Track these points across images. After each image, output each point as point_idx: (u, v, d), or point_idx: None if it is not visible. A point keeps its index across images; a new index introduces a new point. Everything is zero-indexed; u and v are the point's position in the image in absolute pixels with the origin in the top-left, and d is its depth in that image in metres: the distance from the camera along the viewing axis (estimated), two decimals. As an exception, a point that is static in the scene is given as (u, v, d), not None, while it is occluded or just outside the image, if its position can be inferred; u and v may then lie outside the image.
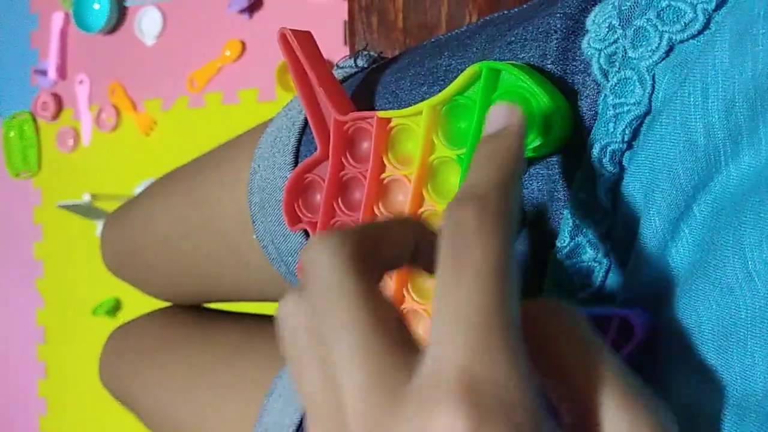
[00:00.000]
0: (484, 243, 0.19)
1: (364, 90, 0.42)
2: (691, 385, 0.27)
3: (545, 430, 0.18)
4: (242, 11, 1.18)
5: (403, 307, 0.38)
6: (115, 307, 1.27)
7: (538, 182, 0.34)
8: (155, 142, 1.26)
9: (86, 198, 1.18)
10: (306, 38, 0.40)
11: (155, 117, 1.27)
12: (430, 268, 0.24)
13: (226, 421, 0.48)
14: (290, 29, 0.40)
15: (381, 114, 0.36)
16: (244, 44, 1.21)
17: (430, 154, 0.35)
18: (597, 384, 0.21)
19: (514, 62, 0.33)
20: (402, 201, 0.37)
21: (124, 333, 0.60)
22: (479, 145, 0.24)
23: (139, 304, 0.61)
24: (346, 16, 0.87)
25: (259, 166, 0.44)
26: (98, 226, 1.25)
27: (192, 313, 0.59)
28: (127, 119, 1.30)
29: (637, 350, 0.29)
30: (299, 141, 0.43)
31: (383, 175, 0.37)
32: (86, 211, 1.17)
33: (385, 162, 0.37)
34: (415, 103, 0.35)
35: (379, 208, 0.38)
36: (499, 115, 0.25)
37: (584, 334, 0.22)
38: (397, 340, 0.20)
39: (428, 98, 0.34)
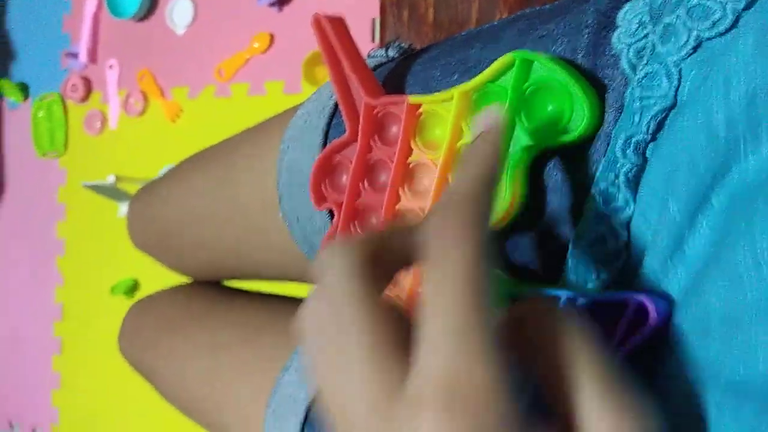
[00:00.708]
0: (460, 253, 0.22)
1: (395, 78, 0.43)
2: (694, 371, 0.27)
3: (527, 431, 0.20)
4: (272, 4, 1.20)
5: (410, 160, 0.39)
6: (133, 288, 1.29)
7: (563, 173, 0.35)
8: (181, 129, 1.28)
9: (111, 179, 1.20)
10: (339, 24, 0.41)
11: (182, 104, 1.29)
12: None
13: (244, 396, 0.49)
14: (324, 15, 0.41)
15: (412, 99, 0.37)
16: (272, 37, 1.23)
17: (458, 140, 0.36)
18: (580, 386, 0.22)
19: (546, 54, 0.34)
20: (427, 185, 0.38)
21: (145, 305, 0.61)
22: (464, 149, 0.27)
23: (157, 284, 0.63)
24: (374, 14, 0.88)
25: (288, 147, 0.45)
26: (121, 207, 1.27)
27: (213, 289, 0.60)
28: (154, 105, 1.32)
29: (650, 336, 0.30)
30: (329, 124, 0.44)
31: (410, 159, 0.39)
32: (110, 192, 1.20)
33: (413, 146, 0.38)
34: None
35: (404, 191, 0.39)
36: (482, 119, 0.28)
37: (571, 336, 0.24)
38: (397, 341, 0.22)
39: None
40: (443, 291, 0.21)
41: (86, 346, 1.38)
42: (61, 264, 1.43)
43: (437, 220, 0.23)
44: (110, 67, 1.36)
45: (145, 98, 1.32)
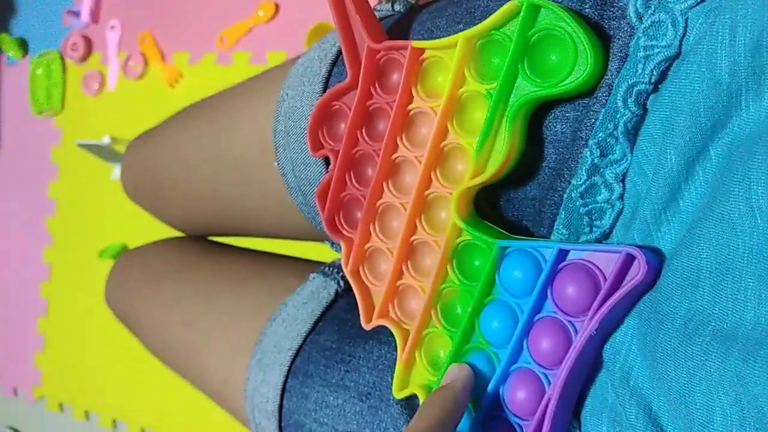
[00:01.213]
0: None
1: (400, 27, 0.43)
2: (682, 321, 0.27)
3: None
4: (279, -26, 1.19)
5: (414, 238, 0.39)
6: (122, 252, 1.28)
7: (563, 124, 0.35)
8: (179, 95, 1.27)
9: (106, 140, 1.19)
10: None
11: (182, 70, 1.28)
12: None
13: (228, 346, 0.49)
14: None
15: (415, 44, 0.37)
16: (277, 6, 1.22)
17: (460, 87, 0.36)
18: None
19: (554, 2, 0.34)
20: (425, 134, 0.38)
21: (133, 256, 0.61)
22: (428, 396, 0.33)
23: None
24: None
25: (287, 95, 0.45)
26: (114, 170, 1.26)
27: (202, 242, 0.60)
28: (154, 69, 1.30)
29: (639, 287, 0.30)
30: (330, 72, 0.44)
31: (410, 107, 0.38)
32: (104, 152, 1.18)
33: (414, 94, 0.38)
34: (450, 38, 0.36)
35: (402, 140, 0.39)
36: (451, 371, 0.35)
37: None
38: None
39: (464, 32, 0.35)
40: None
41: (72, 309, 1.38)
42: (50, 224, 1.41)
43: None
44: (112, 27, 1.34)
45: (145, 61, 1.31)
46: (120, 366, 1.28)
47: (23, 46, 1.47)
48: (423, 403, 0.32)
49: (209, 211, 0.54)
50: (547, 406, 0.32)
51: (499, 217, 0.39)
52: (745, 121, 0.26)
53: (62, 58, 1.40)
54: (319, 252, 0.61)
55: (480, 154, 0.35)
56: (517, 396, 0.34)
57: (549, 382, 0.32)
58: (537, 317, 0.33)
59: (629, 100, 0.30)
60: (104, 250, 1.30)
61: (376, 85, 0.39)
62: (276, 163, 0.46)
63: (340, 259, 0.48)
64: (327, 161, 0.44)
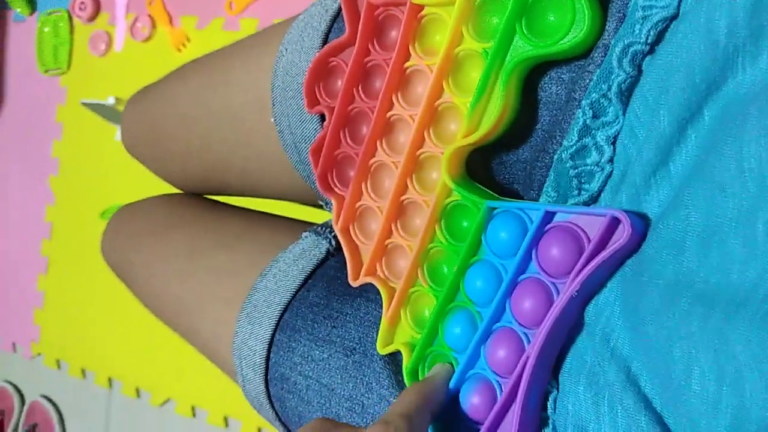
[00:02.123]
0: None
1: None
2: (665, 284, 0.27)
3: None
4: (290, -59, 1.18)
5: (404, 198, 0.39)
6: (123, 211, 1.29)
7: (558, 86, 0.34)
8: (186, 59, 1.26)
9: (111, 100, 1.19)
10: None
11: (189, 34, 1.27)
12: None
13: (217, 300, 0.50)
14: None
15: (414, 0, 0.37)
16: (287, -27, 1.21)
17: (457, 46, 0.36)
18: None
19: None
20: (420, 93, 0.38)
21: (130, 210, 0.61)
22: (408, 387, 0.35)
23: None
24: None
25: (286, 50, 0.45)
26: (118, 131, 1.26)
27: (198, 199, 0.60)
28: (161, 32, 1.30)
29: (623, 251, 0.30)
30: (330, 28, 0.43)
31: (407, 65, 0.38)
32: (109, 113, 1.18)
33: (411, 51, 0.38)
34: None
35: (398, 98, 0.39)
36: (434, 368, 0.36)
37: None
38: None
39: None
40: None
41: (72, 268, 1.39)
42: (53, 183, 1.42)
43: None
44: (121, -11, 1.34)
45: (153, 24, 1.30)
46: (117, 326, 1.30)
47: (31, 3, 1.46)
48: (403, 390, 0.34)
49: (206, 167, 0.54)
50: (525, 364, 0.32)
51: (491, 180, 0.39)
52: (741, 83, 0.26)
53: (70, 17, 1.40)
54: (313, 215, 0.61)
55: (473, 112, 0.35)
56: (497, 354, 0.34)
57: (529, 342, 0.33)
58: (521, 278, 0.33)
59: (624, 60, 0.30)
60: (106, 210, 1.31)
61: (375, 41, 0.39)
62: (272, 119, 0.46)
63: (332, 220, 0.48)
64: (323, 118, 0.44)
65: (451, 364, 0.37)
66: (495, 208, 0.35)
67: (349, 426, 0.33)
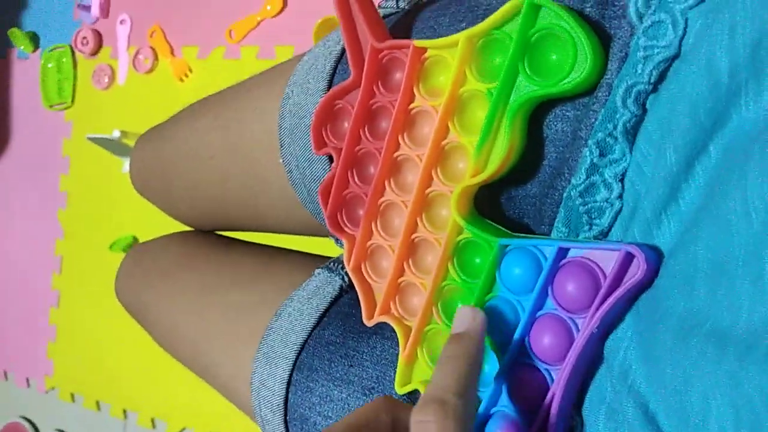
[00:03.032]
0: None
1: (403, 25, 0.43)
2: (678, 320, 0.27)
3: None
4: (287, -32, 1.19)
5: (415, 236, 0.39)
6: (132, 245, 1.29)
7: (563, 123, 0.35)
8: (188, 89, 1.28)
9: (116, 134, 1.20)
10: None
11: (191, 64, 1.29)
12: None
13: (234, 340, 0.50)
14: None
15: (417, 43, 0.37)
16: (285, 0, 1.22)
17: (461, 87, 0.36)
18: None
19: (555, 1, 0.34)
20: (427, 133, 0.38)
21: (143, 249, 0.62)
22: (445, 345, 0.32)
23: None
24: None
25: (292, 92, 0.45)
26: (125, 163, 1.26)
27: (210, 236, 0.60)
28: (163, 63, 1.31)
29: (639, 285, 0.30)
30: (335, 69, 0.44)
31: (412, 106, 0.38)
32: (114, 146, 1.19)
33: (416, 93, 0.38)
34: (452, 37, 0.36)
35: (404, 139, 0.39)
36: (463, 318, 0.32)
37: None
38: None
39: (466, 31, 0.35)
40: None
41: (83, 301, 1.39)
42: (62, 217, 1.43)
43: (426, 416, 0.27)
44: (121, 22, 1.35)
45: (155, 56, 1.31)
46: (130, 357, 1.30)
47: (34, 40, 1.48)
48: (443, 356, 0.31)
49: (216, 206, 0.54)
50: (551, 403, 0.32)
51: (500, 215, 0.39)
52: (745, 120, 0.26)
53: (73, 52, 1.41)
54: (325, 247, 0.62)
55: (480, 152, 0.35)
56: (520, 391, 0.34)
57: (552, 379, 0.33)
58: (538, 314, 0.34)
59: (628, 100, 0.30)
60: (115, 242, 1.31)
61: (379, 83, 0.40)
62: (281, 160, 0.46)
63: (343, 258, 0.49)
64: (331, 158, 0.44)
65: (476, 309, 0.34)
66: (508, 245, 0.35)
67: (408, 405, 0.32)
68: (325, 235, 0.53)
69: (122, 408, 1.32)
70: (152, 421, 1.28)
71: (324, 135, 0.42)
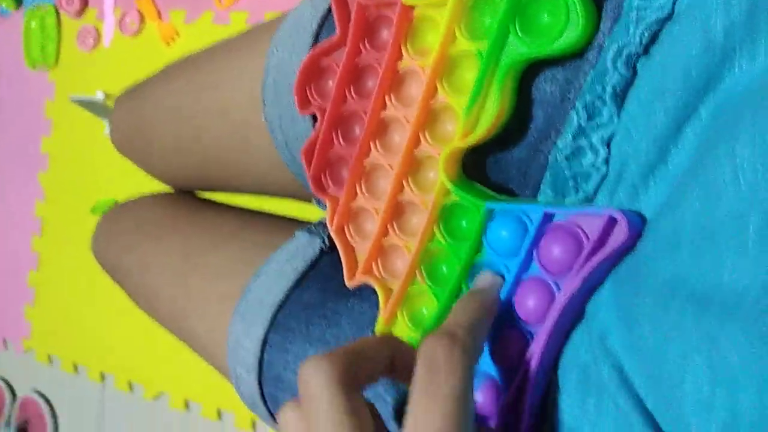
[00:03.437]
0: (450, 374, 0.26)
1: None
2: (659, 283, 0.27)
3: None
4: (280, -67, 1.17)
5: (400, 197, 0.39)
6: (114, 208, 1.28)
7: (552, 85, 0.34)
8: (175, 54, 1.25)
9: (100, 95, 1.18)
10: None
11: (178, 28, 1.26)
12: (404, 376, 0.29)
13: (211, 299, 0.49)
14: None
15: (406, 0, 0.36)
16: (276, -34, 1.20)
17: (450, 46, 0.36)
18: None
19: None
20: (414, 94, 0.38)
21: (122, 209, 0.61)
22: (462, 297, 0.33)
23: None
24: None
25: (277, 49, 0.45)
26: (107, 126, 1.25)
27: (190, 197, 0.60)
28: (150, 27, 1.29)
29: (621, 249, 0.30)
30: (321, 27, 0.43)
31: (399, 65, 0.38)
32: (98, 108, 1.17)
33: (403, 51, 0.38)
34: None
35: (390, 99, 0.38)
36: (485, 279, 0.34)
37: None
38: None
39: (456, -10, 0.35)
40: (434, 410, 0.25)
41: (63, 263, 1.38)
42: (43, 179, 1.41)
43: (435, 345, 0.27)
44: (108, -18, 1.33)
45: (142, 18, 1.29)
46: (109, 320, 1.29)
47: (18, -3, 1.45)
48: (460, 302, 0.32)
49: (196, 166, 0.54)
50: (530, 363, 0.32)
51: (486, 178, 0.39)
52: (737, 81, 0.26)
53: (57, 12, 1.38)
54: (306, 212, 0.61)
55: (469, 114, 0.35)
56: (502, 353, 0.34)
57: (532, 338, 0.33)
58: (523, 277, 0.34)
59: (619, 61, 0.30)
60: (96, 205, 1.30)
61: (366, 41, 0.39)
62: (263, 119, 0.46)
63: (326, 218, 0.48)
64: (315, 118, 0.44)
65: (497, 275, 0.35)
66: (494, 209, 0.35)
67: (410, 346, 0.32)
68: (307, 197, 0.52)
69: (99, 371, 1.31)
70: (129, 384, 1.28)
71: (308, 94, 0.41)
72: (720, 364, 0.24)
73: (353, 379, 0.27)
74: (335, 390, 0.26)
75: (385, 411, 0.40)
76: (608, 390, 0.29)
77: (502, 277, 0.34)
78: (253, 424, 1.12)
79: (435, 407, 0.25)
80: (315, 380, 0.26)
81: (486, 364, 0.35)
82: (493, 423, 0.34)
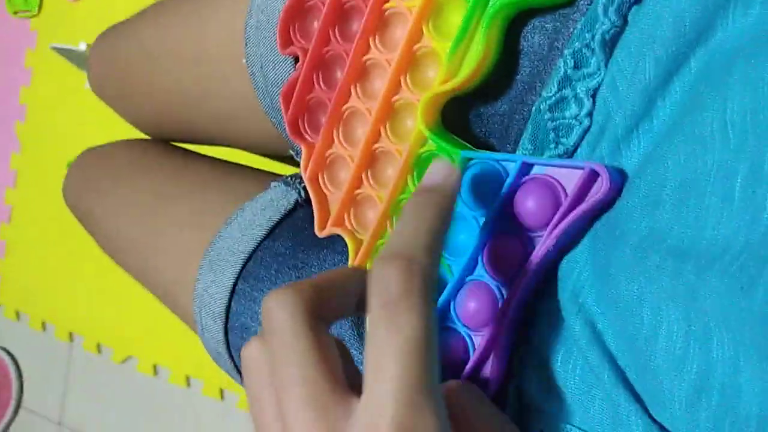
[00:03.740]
0: (409, 310, 0.22)
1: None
2: (638, 239, 0.27)
3: None
4: None
5: (377, 146, 0.38)
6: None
7: (540, 36, 0.33)
8: (162, 9, 1.24)
9: (82, 46, 1.14)
10: None
11: (167, -17, 1.24)
12: None
13: (181, 246, 0.48)
14: None
15: (397, -62, 0.35)
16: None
17: (438, -13, 0.34)
18: None
19: None
20: (399, 36, 0.36)
21: (94, 153, 0.59)
22: (413, 194, 0.27)
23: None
24: None
25: (262, -12, 0.43)
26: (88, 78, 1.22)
27: (165, 145, 0.58)
28: (138, -20, 1.26)
29: (600, 205, 0.29)
30: (309, -34, 0.42)
31: (386, 6, 0.37)
32: (80, 59, 1.14)
33: (391, -8, 0.36)
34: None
35: (374, 42, 0.37)
36: (438, 171, 0.28)
37: (497, 418, 0.27)
38: (339, 387, 0.23)
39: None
40: (395, 350, 0.22)
41: (36, 218, 1.35)
42: (20, 130, 1.38)
43: (389, 273, 0.23)
44: (97, -68, 1.29)
45: (130, -29, 1.26)
46: (81, 280, 1.27)
47: (2, -59, 1.40)
48: (408, 208, 0.26)
49: (173, 109, 0.52)
50: (502, 317, 0.31)
51: (466, 133, 0.38)
52: (730, 33, 0.25)
53: (42, -42, 1.34)
54: (283, 169, 0.60)
55: (453, 58, 0.34)
56: (469, 306, 0.33)
57: (502, 295, 0.32)
58: (496, 230, 0.33)
59: (610, 9, 0.29)
60: (72, 161, 1.27)
61: (354, -19, 0.38)
62: (244, 60, 0.44)
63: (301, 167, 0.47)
64: (297, 61, 0.42)
65: (454, 165, 0.29)
66: (470, 159, 0.34)
67: (361, 270, 0.28)
68: (284, 150, 0.51)
69: (68, 331, 1.29)
70: (98, 346, 1.26)
71: (291, 33, 0.40)
72: (696, 317, 0.23)
73: (320, 312, 0.24)
74: (300, 322, 0.23)
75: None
76: (578, 345, 0.29)
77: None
78: (221, 392, 1.11)
79: (392, 354, 0.21)
80: (279, 313, 0.24)
81: (451, 320, 0.34)
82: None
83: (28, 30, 1.37)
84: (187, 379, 1.15)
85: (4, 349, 1.37)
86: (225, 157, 0.57)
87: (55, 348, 1.31)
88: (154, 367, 1.19)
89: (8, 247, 1.39)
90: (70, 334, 1.30)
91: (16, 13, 1.36)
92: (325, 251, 0.43)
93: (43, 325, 1.33)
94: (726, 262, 0.23)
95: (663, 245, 0.25)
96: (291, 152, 0.49)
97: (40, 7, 1.35)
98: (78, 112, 1.29)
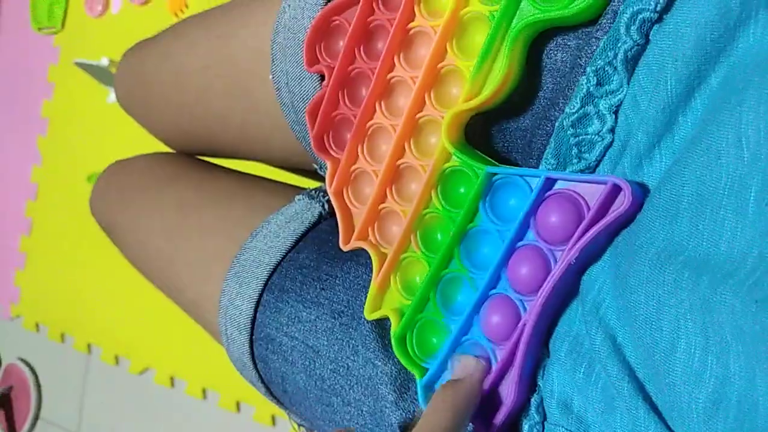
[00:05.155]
0: None
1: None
2: (656, 251, 0.27)
3: None
4: None
5: (401, 162, 0.39)
6: (111, 176, 1.27)
7: (563, 53, 0.34)
8: (182, 25, 1.26)
9: (104, 61, 1.17)
10: None
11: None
12: None
13: (206, 258, 0.49)
14: None
15: (422, -40, 0.36)
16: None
17: (463, 7, 0.35)
18: None
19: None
20: (423, 55, 0.37)
21: (121, 166, 0.60)
22: (442, 385, 0.33)
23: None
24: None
25: (289, 6, 0.44)
26: (111, 93, 1.24)
27: (190, 158, 0.59)
28: (159, -3, 1.28)
29: (622, 219, 0.30)
30: (335, -15, 0.43)
31: (411, 25, 0.37)
32: (102, 74, 1.17)
33: (416, 12, 0.37)
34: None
35: (399, 60, 0.38)
36: (466, 366, 0.33)
37: None
38: None
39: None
40: None
41: (56, 230, 1.37)
42: (41, 144, 1.40)
43: None
44: (119, -50, 1.32)
45: (151, -12, 1.28)
46: (100, 292, 1.28)
47: (27, -41, 1.44)
48: (436, 401, 0.31)
49: (198, 124, 0.53)
50: (522, 331, 0.32)
51: (489, 148, 0.39)
52: (749, 49, 0.26)
53: (66, -24, 1.37)
54: (306, 183, 0.61)
55: (476, 76, 0.34)
56: (492, 320, 0.34)
57: (525, 309, 0.33)
58: (518, 245, 0.33)
59: (632, 27, 0.30)
60: (93, 174, 1.29)
61: (379, 1, 0.38)
62: (271, 76, 0.45)
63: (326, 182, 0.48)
64: (322, 78, 0.43)
65: (480, 361, 0.34)
66: (494, 174, 0.34)
67: None
68: (308, 165, 0.52)
69: (87, 342, 1.31)
70: (116, 357, 1.27)
71: (317, 52, 0.41)
72: (713, 331, 0.24)
73: None
74: None
75: None
76: (599, 358, 0.29)
77: (487, 360, 0.34)
78: (237, 405, 1.12)
79: None
80: None
81: (475, 334, 0.35)
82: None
83: (51, 45, 1.39)
84: (204, 391, 1.16)
85: (23, 360, 1.38)
86: (248, 171, 0.58)
87: (74, 359, 1.33)
88: (171, 378, 1.20)
89: (28, 259, 1.41)
90: (89, 346, 1.31)
91: (40, 29, 1.39)
92: (349, 263, 0.43)
93: (62, 337, 1.34)
94: (740, 278, 0.23)
95: (680, 258, 0.26)
96: (314, 166, 0.50)
97: (63, 22, 1.37)
98: (98, 126, 1.31)
